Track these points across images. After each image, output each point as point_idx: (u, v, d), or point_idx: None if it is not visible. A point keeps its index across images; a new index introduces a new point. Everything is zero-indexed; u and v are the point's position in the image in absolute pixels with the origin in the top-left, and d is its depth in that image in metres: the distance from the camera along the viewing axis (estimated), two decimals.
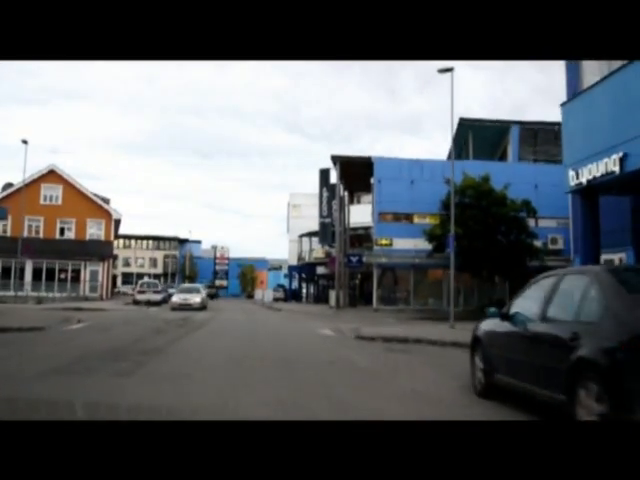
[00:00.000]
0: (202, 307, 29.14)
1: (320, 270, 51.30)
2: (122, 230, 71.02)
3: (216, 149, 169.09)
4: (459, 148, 34.98)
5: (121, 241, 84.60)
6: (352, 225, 40.02)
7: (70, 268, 41.22)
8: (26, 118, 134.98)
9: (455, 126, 33.41)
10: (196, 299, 29.48)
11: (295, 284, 65.56)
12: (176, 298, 29.72)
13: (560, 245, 30.43)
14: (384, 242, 30.65)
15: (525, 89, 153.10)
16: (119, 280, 76.85)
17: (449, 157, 36.77)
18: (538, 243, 28.20)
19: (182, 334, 14.00)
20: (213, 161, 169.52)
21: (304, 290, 62.47)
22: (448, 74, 19.09)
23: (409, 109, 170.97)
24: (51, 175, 43.06)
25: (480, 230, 25.65)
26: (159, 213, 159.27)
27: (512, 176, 28.27)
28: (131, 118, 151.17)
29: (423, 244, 28.77)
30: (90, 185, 48.10)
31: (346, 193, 38.60)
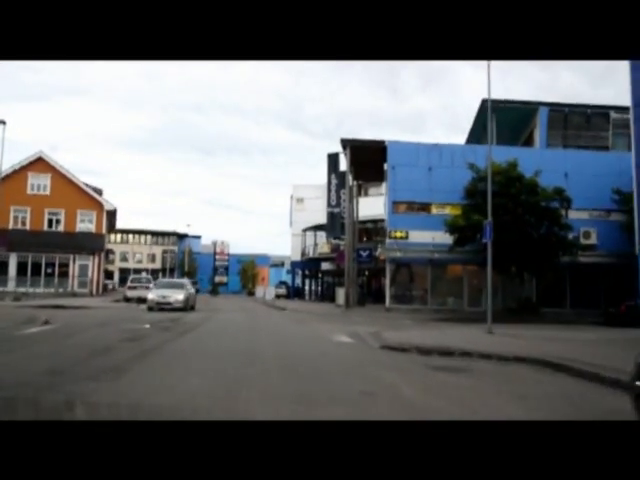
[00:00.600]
0: (186, 307, 23.31)
1: (325, 266, 48.52)
2: (122, 225, 68.80)
3: (217, 146, 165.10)
4: (479, 133, 32.11)
5: (119, 236, 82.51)
6: (360, 218, 37.05)
7: (57, 262, 38.33)
8: (26, 114, 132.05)
9: (480, 109, 30.83)
10: (178, 296, 23.28)
11: (298, 281, 62.72)
12: (153, 295, 23.47)
13: (593, 239, 27.53)
14: (399, 234, 27.71)
15: (527, 88, 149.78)
16: (116, 276, 74.63)
17: (467, 142, 34.03)
18: (570, 237, 25.37)
19: (164, 341, 11.17)
20: (214, 158, 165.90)
21: (307, 287, 59.60)
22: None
23: (411, 107, 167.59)
24: (39, 163, 40.09)
25: (509, 221, 22.75)
26: (160, 210, 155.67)
27: (539, 163, 25.41)
28: (132, 115, 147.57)
29: (442, 237, 25.96)
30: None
31: (355, 183, 35.64)
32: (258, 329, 15.63)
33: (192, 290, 26.91)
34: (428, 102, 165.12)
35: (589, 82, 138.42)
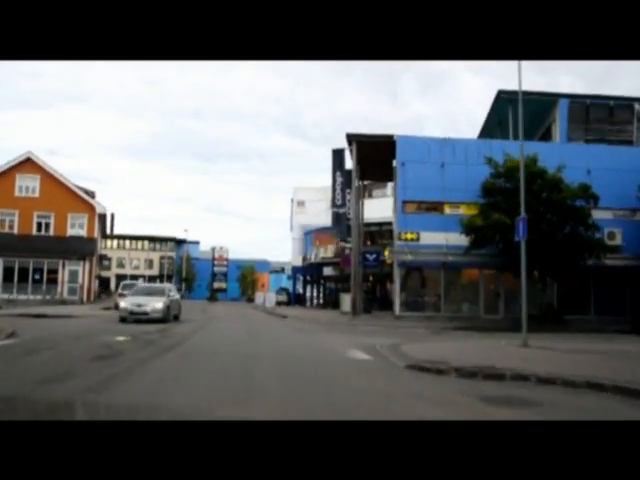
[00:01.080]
0: (166, 317, 19.34)
1: (327, 271, 46.49)
2: (121, 231, 66.72)
3: (217, 152, 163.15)
4: (492, 128, 30.21)
5: (115, 241, 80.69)
6: (365, 221, 35.05)
7: (46, 267, 36.29)
8: (25, 120, 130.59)
9: (495, 103, 28.89)
10: (156, 305, 19.13)
11: (299, 287, 60.66)
12: (126, 303, 19.55)
13: (618, 240, 25.57)
14: (409, 236, 25.70)
15: None
16: (112, 282, 72.72)
17: (480, 136, 32.10)
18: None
19: (142, 360, 9.17)
20: (214, 164, 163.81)
21: (308, 293, 57.52)
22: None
23: (410, 112, 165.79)
24: (27, 164, 38.15)
25: (531, 220, 20.76)
26: (159, 216, 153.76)
27: (560, 158, 23.45)
28: (131, 121, 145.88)
29: (456, 238, 24.02)
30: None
31: (360, 183, 33.66)
32: (257, 343, 13.62)
33: (176, 297, 23.10)
34: (427, 107, 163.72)
35: (588, 86, 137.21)
